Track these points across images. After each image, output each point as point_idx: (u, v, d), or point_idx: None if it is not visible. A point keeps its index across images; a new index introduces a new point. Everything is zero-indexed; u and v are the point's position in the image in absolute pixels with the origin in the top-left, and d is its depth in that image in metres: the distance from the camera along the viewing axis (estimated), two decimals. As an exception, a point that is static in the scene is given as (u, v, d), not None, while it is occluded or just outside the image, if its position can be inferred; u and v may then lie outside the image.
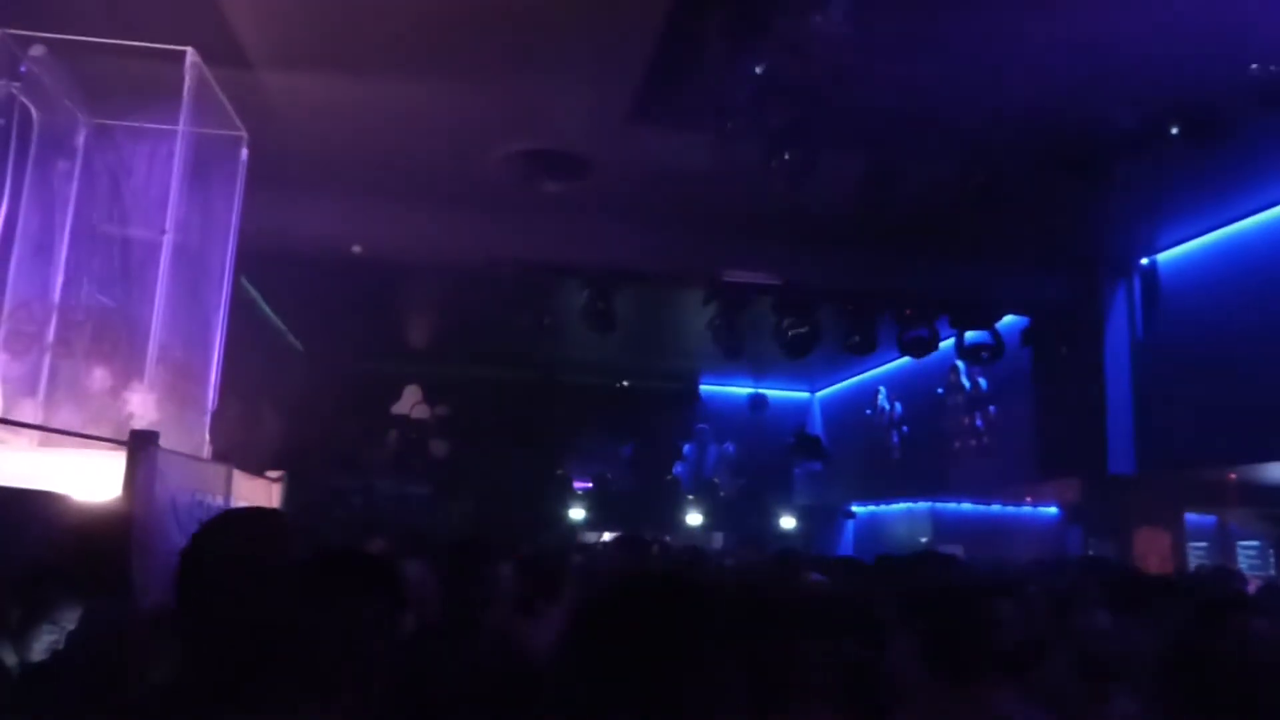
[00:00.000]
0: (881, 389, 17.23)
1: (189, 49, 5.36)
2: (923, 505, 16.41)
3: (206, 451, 5.73)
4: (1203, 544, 12.94)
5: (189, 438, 5.52)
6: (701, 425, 19.02)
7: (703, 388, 19.41)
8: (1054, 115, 7.57)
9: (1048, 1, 5.93)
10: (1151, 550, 10.94)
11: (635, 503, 17.39)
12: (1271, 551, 12.87)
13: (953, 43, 6.49)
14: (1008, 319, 12.13)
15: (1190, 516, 12.06)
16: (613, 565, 5.85)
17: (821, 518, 18.74)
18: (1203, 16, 6.09)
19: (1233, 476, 10.95)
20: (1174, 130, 7.29)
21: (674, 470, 18.64)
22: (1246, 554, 13.10)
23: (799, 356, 11.88)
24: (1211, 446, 9.91)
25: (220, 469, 5.29)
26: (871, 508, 18.49)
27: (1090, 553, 10.54)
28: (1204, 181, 8.83)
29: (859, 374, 17.93)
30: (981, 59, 6.75)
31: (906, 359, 13.46)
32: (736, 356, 11.83)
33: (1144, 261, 11.02)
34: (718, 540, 15.76)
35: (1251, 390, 9.15)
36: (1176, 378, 10.40)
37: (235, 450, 6.04)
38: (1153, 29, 6.28)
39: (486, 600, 3.14)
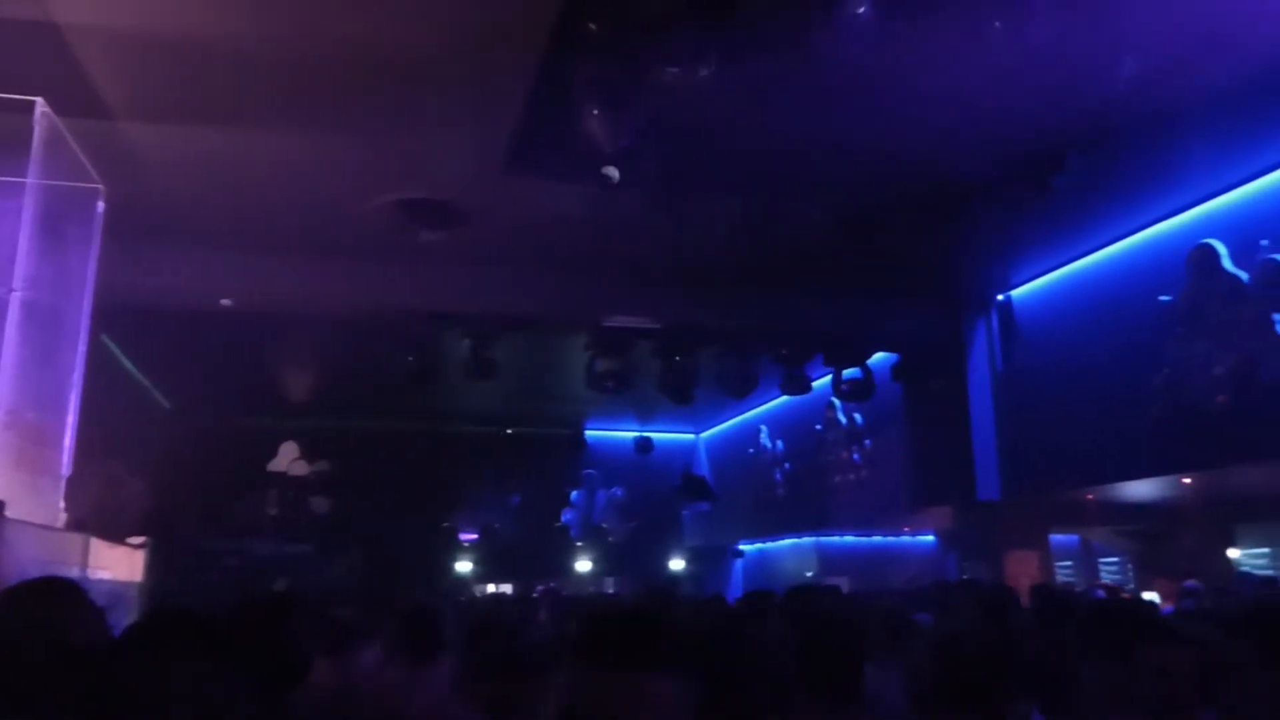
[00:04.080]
0: (763, 428, 17.57)
1: (38, 99, 5.16)
2: (808, 540, 16.73)
3: (61, 520, 5.41)
4: (1068, 563, 13.66)
5: (41, 506, 5.20)
6: (589, 470, 18.98)
7: (589, 433, 19.39)
8: (913, 161, 8.00)
9: (904, 56, 6.30)
10: (1021, 571, 11.43)
11: (523, 553, 17.20)
12: (1130, 566, 13.67)
13: (818, 90, 6.80)
14: (879, 356, 12.61)
15: (1055, 537, 12.71)
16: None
17: (711, 558, 18.90)
18: (1044, 70, 6.56)
19: (1090, 497, 11.60)
20: (1019, 175, 7.81)
21: (562, 518, 18.53)
22: (1108, 569, 13.89)
23: (681, 400, 12.06)
24: (1070, 470, 10.48)
25: (75, 538, 5.01)
26: (760, 545, 18.75)
27: (965, 577, 10.93)
28: (1051, 222, 9.41)
29: (741, 414, 18.23)
30: (846, 107, 7.09)
31: (787, 398, 13.80)
32: (618, 401, 11.92)
33: (1000, 297, 11.65)
34: (609, 585, 15.71)
35: (1103, 414, 9.74)
36: (1035, 406, 10.99)
37: (95, 517, 5.72)
38: (1000, 81, 6.73)
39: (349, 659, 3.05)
